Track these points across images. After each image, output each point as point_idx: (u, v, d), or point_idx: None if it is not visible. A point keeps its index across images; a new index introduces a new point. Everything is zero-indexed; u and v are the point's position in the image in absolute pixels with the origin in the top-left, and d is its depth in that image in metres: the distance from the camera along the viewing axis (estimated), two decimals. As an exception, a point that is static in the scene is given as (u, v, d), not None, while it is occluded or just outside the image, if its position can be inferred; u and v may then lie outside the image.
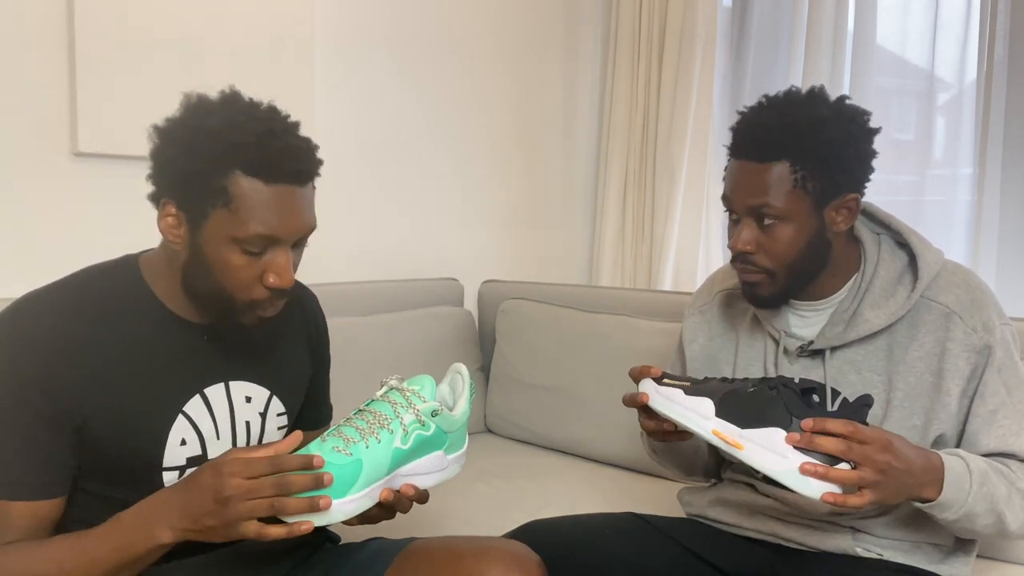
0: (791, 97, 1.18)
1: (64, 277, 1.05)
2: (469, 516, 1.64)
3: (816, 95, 1.18)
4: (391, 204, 2.35)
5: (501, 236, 2.64)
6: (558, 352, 2.12)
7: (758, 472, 1.26)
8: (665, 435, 1.16)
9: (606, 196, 2.68)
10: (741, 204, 1.18)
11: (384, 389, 1.00)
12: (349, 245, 2.25)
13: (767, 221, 1.16)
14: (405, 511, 1.01)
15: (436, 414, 0.99)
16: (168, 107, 1.02)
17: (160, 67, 1.80)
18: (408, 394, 0.98)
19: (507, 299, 2.31)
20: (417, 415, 0.97)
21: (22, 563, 0.96)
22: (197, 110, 1.00)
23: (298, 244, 1.04)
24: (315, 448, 0.95)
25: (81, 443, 0.99)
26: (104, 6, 1.74)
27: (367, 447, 0.93)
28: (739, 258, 1.21)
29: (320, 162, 1.03)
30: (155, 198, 1.02)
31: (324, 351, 1.28)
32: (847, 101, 1.18)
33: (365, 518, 1.02)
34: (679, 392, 1.10)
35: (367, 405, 0.99)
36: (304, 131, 1.03)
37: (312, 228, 1.04)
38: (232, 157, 0.95)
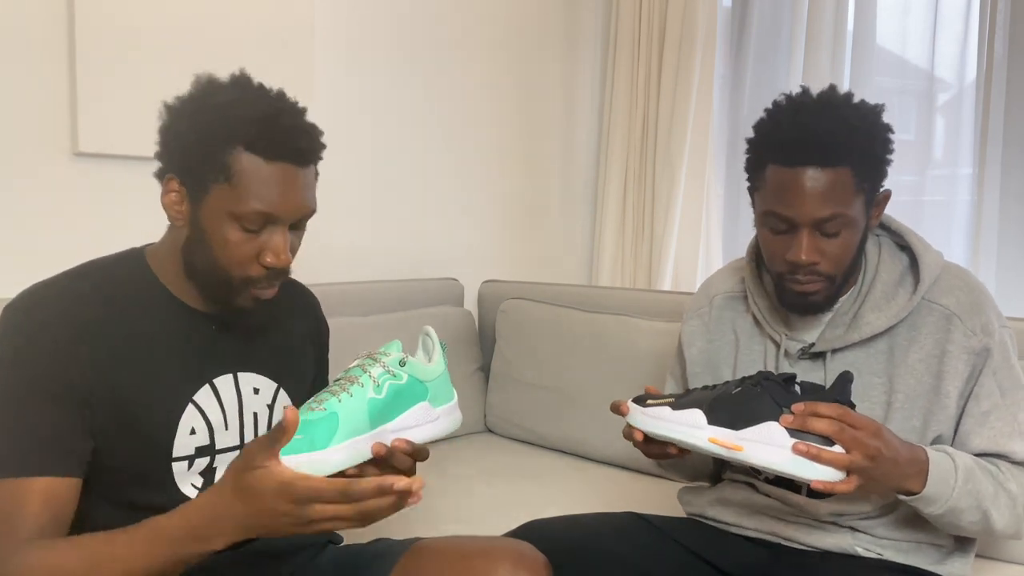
0: (831, 99, 1.14)
1: (71, 268, 1.05)
2: (469, 516, 1.64)
3: (847, 96, 1.16)
4: (391, 204, 2.35)
5: (501, 236, 2.64)
6: (558, 352, 2.12)
7: (760, 474, 1.27)
8: (669, 455, 1.14)
9: (606, 196, 2.68)
10: (808, 217, 1.11)
11: (356, 361, 1.02)
12: (349, 245, 2.25)
13: (832, 229, 1.12)
14: (406, 468, 0.98)
15: (404, 363, 1.00)
16: (168, 107, 1.03)
17: (160, 67, 1.80)
18: (376, 354, 1.01)
19: (507, 299, 2.31)
20: (384, 367, 0.99)
21: (52, 560, 0.91)
22: (207, 87, 1.01)
23: (297, 226, 1.05)
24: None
25: (92, 429, 0.98)
26: (104, 6, 1.74)
27: (339, 401, 0.95)
28: (802, 270, 1.14)
29: (323, 147, 1.04)
30: (160, 174, 1.03)
31: (325, 354, 1.29)
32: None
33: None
34: (666, 410, 1.09)
35: (341, 375, 1.01)
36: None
37: (311, 211, 1.04)
38: (235, 132, 0.97)
